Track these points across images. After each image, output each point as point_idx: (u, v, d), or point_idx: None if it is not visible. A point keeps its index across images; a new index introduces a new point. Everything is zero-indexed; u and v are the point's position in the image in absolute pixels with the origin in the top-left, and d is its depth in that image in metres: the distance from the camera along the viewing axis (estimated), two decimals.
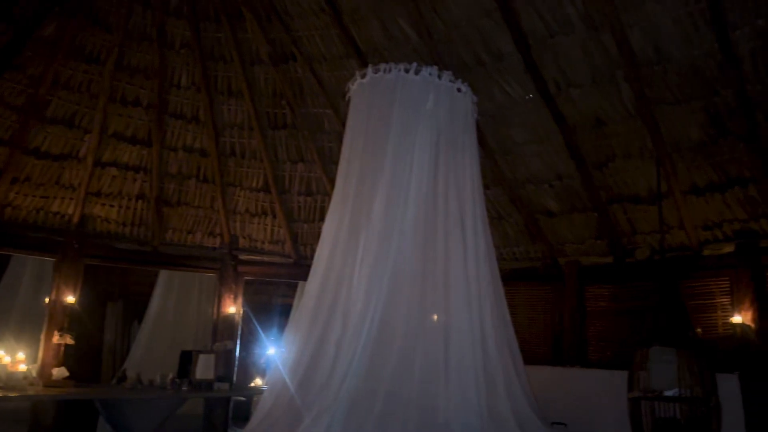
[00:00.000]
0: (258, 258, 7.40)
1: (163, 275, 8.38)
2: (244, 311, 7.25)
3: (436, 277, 4.60)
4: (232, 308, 7.00)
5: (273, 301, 9.40)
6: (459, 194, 4.82)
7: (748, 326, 5.05)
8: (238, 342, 7.02)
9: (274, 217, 7.40)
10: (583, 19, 4.76)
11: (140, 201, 6.88)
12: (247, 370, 7.30)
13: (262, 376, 6.86)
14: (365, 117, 4.83)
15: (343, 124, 5.40)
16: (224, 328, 6.91)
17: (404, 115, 4.64)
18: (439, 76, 4.78)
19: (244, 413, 6.88)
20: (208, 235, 7.24)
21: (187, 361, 6.14)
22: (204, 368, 6.08)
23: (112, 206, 6.74)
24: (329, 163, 7.02)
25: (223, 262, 7.09)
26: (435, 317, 4.64)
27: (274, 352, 6.61)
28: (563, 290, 6.49)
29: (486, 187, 6.41)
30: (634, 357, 5.03)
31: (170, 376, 5.97)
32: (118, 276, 8.42)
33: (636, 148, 5.37)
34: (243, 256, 7.25)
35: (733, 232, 5.31)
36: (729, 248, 5.33)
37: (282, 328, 7.59)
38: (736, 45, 4.38)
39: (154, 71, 6.61)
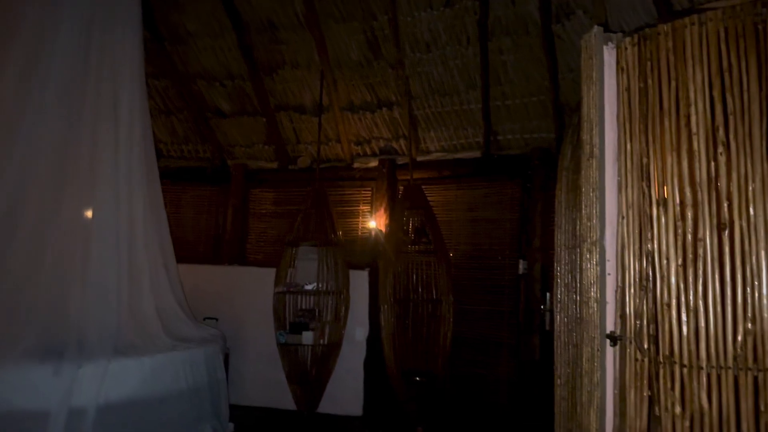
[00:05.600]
0: None
1: None
2: None
3: (80, 168, 4.13)
4: None
5: None
6: (115, 78, 4.32)
7: (380, 231, 5.89)
8: None
9: None
10: None
11: None
12: None
13: None
14: None
15: None
16: None
17: None
18: None
19: None
20: None
21: None
22: None
23: None
24: None
25: None
26: (86, 213, 4.24)
27: None
28: (229, 192, 6.57)
29: (154, 77, 5.96)
30: (284, 255, 5.45)
31: None
32: None
33: (304, 59, 5.56)
34: None
35: (379, 149, 6.03)
36: (374, 162, 6.04)
37: None
38: None
39: None
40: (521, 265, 4.98)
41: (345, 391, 5.46)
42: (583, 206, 2.19)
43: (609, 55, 2.18)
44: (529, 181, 5.14)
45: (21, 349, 3.47)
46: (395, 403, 5.08)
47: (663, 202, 1.96)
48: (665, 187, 1.96)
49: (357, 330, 5.51)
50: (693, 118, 1.93)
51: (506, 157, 5.40)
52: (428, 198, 5.30)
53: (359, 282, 5.66)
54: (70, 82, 4.07)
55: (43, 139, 3.96)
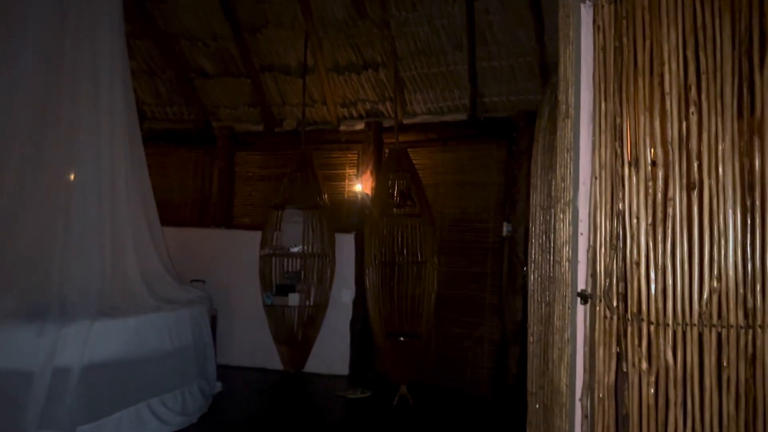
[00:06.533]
0: None
1: None
2: None
3: (60, 129, 4.09)
4: None
5: None
6: (94, 37, 4.25)
7: (366, 194, 5.88)
8: None
9: None
10: None
11: None
12: None
13: None
14: None
15: None
16: None
17: None
18: None
19: None
20: None
21: None
22: None
23: None
24: None
25: None
26: (67, 174, 4.21)
27: None
28: (215, 154, 6.52)
29: (135, 36, 5.84)
30: (269, 218, 5.45)
31: None
32: None
33: (288, 18, 5.45)
34: None
35: (365, 112, 5.98)
36: (360, 125, 5.99)
37: None
38: None
39: None
40: (505, 228, 5.01)
41: (331, 351, 5.55)
42: (558, 167, 2.20)
43: (586, 13, 2.14)
44: (514, 144, 5.12)
45: (4, 310, 3.49)
46: (380, 363, 5.18)
47: (635, 162, 1.96)
48: (637, 147, 1.96)
49: (343, 292, 5.57)
50: (666, 78, 1.91)
51: (492, 120, 5.36)
52: (414, 161, 5.27)
53: (345, 245, 5.70)
54: (49, 43, 4.02)
55: (22, 100, 3.94)
